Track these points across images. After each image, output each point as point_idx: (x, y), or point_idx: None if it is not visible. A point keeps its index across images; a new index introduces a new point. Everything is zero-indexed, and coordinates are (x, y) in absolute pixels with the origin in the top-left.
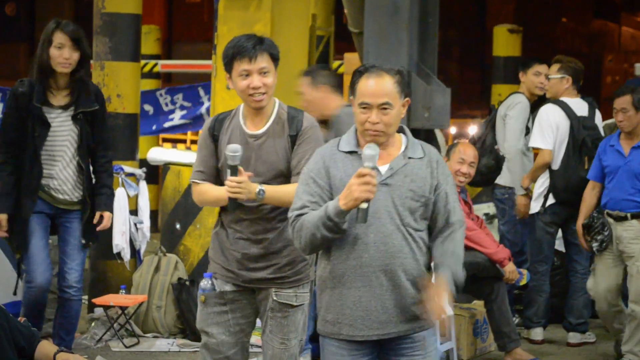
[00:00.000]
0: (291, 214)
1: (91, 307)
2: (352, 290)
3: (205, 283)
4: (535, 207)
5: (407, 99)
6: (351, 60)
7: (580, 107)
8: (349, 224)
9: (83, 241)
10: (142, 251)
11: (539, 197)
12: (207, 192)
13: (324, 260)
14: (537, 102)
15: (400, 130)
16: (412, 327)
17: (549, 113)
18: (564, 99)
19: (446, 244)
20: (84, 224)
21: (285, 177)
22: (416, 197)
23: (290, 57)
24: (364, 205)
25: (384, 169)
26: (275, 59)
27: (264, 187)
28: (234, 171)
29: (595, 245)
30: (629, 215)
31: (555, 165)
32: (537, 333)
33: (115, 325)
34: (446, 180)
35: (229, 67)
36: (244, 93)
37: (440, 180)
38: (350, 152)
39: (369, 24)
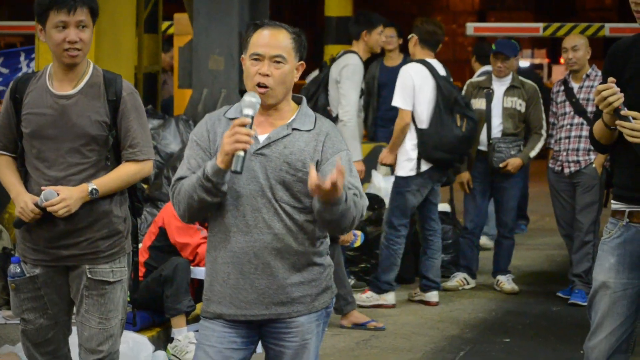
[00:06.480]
0: (174, 178)
1: None
2: (222, 265)
3: (14, 269)
4: (406, 170)
5: (301, 62)
6: (181, 21)
7: (438, 67)
8: (228, 186)
9: None
10: None
11: (410, 160)
12: (2, 177)
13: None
14: (370, 60)
15: (299, 101)
16: (286, 311)
17: (411, 73)
18: (427, 59)
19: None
20: None
21: (97, 144)
22: (292, 170)
23: (118, 17)
24: (241, 153)
25: (262, 137)
26: (94, 14)
27: (94, 183)
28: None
29: None
30: None
31: (424, 125)
32: (434, 295)
33: None
34: (337, 156)
35: (43, 17)
36: (58, 47)
37: (328, 155)
38: (235, 119)
39: None
